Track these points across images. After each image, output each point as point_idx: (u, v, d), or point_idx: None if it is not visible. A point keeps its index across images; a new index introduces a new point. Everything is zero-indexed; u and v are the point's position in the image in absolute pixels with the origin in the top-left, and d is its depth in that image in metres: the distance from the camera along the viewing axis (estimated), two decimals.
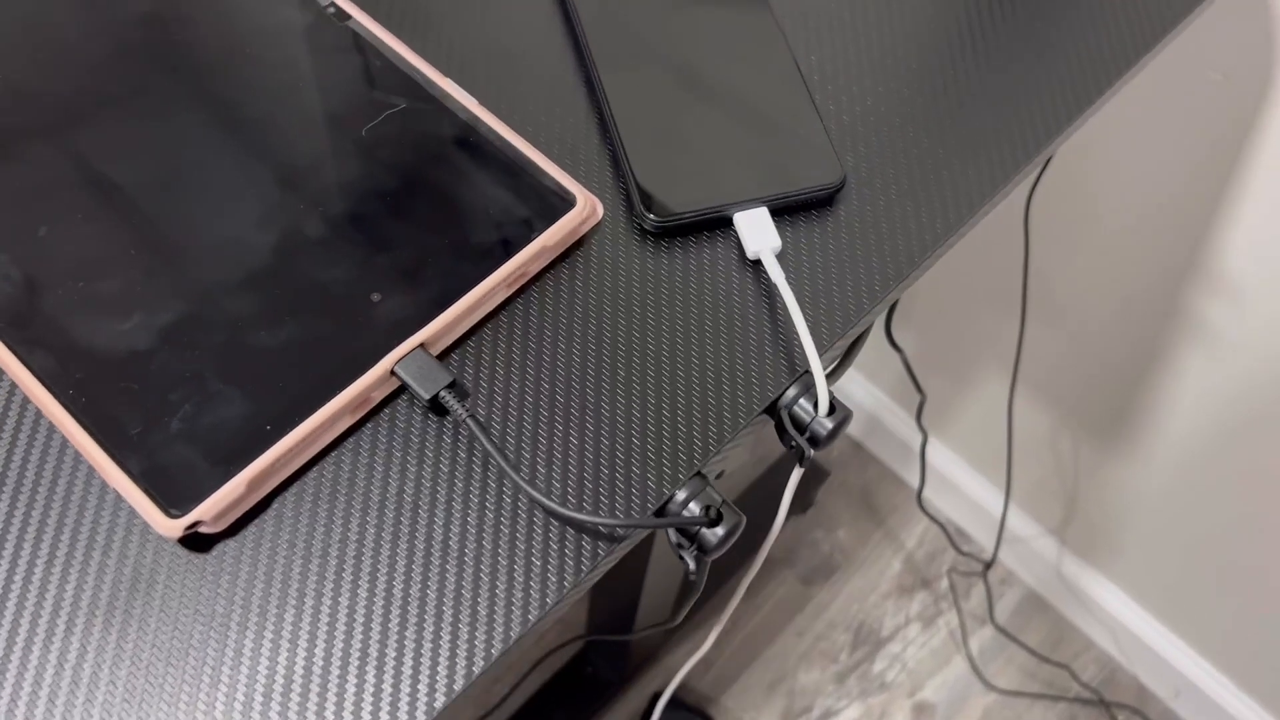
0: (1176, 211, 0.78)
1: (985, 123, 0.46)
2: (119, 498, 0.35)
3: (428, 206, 0.40)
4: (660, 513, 0.37)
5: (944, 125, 0.46)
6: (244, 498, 0.35)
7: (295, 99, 0.42)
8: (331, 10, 0.45)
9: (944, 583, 1.26)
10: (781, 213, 0.43)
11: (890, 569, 1.29)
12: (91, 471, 0.36)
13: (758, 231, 0.41)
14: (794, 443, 0.39)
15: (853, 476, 1.34)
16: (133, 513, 0.35)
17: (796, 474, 0.42)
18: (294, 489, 0.36)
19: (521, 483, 0.35)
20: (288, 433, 0.35)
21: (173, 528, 0.33)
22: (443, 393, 0.37)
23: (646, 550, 0.62)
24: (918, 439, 1.21)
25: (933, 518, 1.04)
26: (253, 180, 0.40)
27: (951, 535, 1.17)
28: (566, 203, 0.40)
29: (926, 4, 0.49)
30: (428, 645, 0.34)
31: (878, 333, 1.13)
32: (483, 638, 0.34)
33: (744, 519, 0.37)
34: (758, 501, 1.04)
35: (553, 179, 0.41)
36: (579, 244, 0.42)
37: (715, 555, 0.37)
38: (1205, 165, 0.74)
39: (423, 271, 0.39)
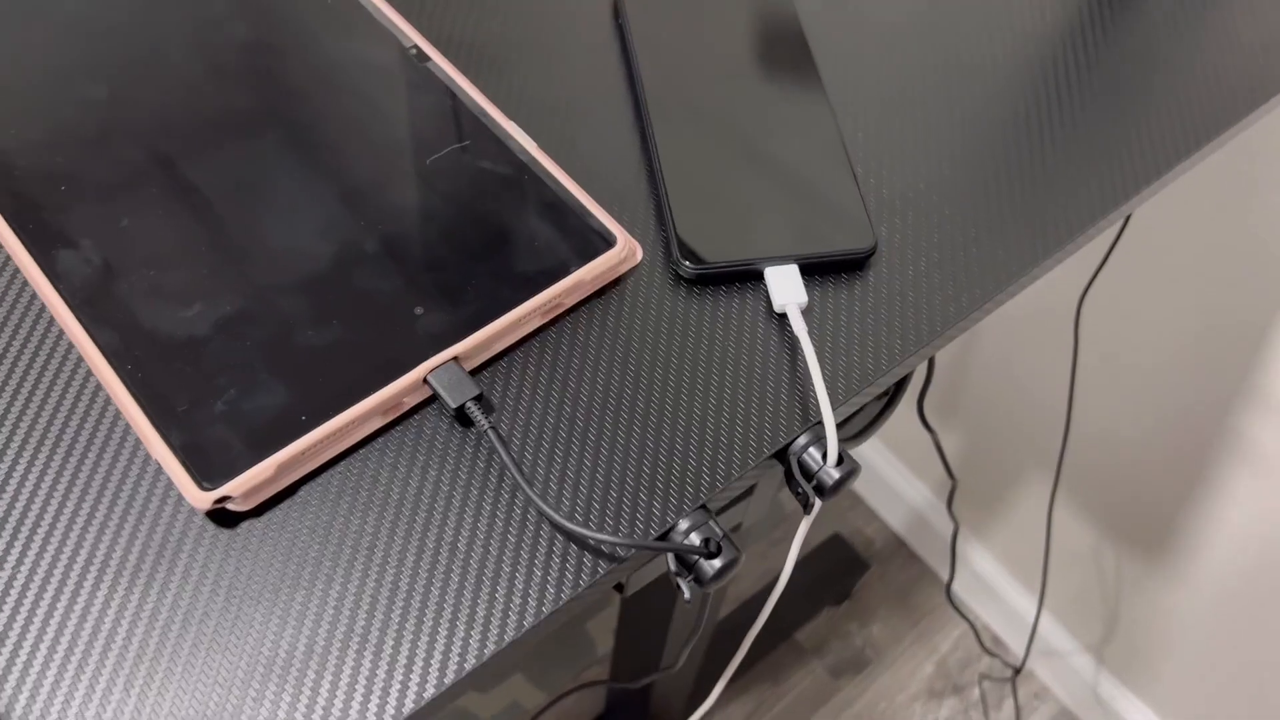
0: (1231, 328, 0.78)
1: (1018, 208, 0.48)
2: (159, 469, 0.38)
3: (476, 234, 0.43)
4: (662, 539, 0.38)
5: (979, 206, 0.48)
6: (272, 480, 0.37)
7: (369, 127, 0.45)
8: (414, 52, 0.48)
9: (975, 691, 1.24)
10: (812, 272, 0.45)
11: (922, 670, 1.27)
12: (137, 442, 0.38)
13: (786, 286, 0.43)
14: (800, 489, 0.40)
15: (893, 572, 1.33)
16: (169, 485, 0.38)
17: (805, 523, 0.43)
18: (321, 479, 0.38)
19: (532, 495, 0.37)
20: (320, 425, 0.37)
21: (203, 499, 0.36)
22: (469, 404, 0.39)
23: (669, 601, 0.63)
24: (969, 549, 1.20)
25: (962, 613, 1.03)
26: (320, 196, 0.43)
27: (981, 635, 1.15)
28: (607, 243, 0.43)
29: (974, 91, 0.52)
30: (424, 639, 0.35)
31: (920, 426, 1.14)
32: (477, 638, 0.36)
33: (742, 555, 0.38)
34: (787, 593, 1.04)
35: (598, 220, 0.43)
36: (616, 283, 0.44)
37: (711, 588, 0.38)
38: (1262, 281, 0.75)
39: (464, 292, 0.41)
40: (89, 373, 0.40)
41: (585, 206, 0.44)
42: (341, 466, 0.39)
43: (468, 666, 0.35)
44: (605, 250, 0.42)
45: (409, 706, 0.34)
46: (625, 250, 0.43)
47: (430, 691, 0.35)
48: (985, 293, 0.45)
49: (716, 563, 0.38)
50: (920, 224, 0.47)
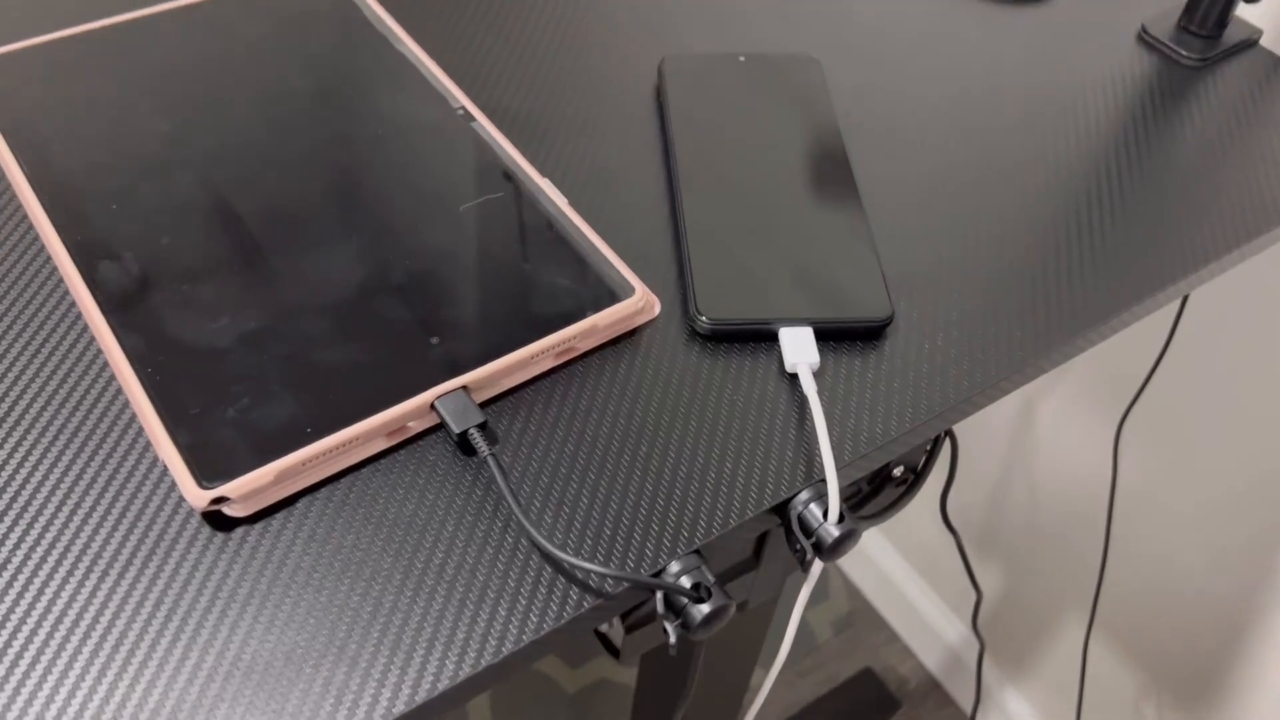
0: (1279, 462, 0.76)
1: (1037, 294, 0.48)
2: (164, 470, 0.39)
3: (498, 275, 0.44)
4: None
5: (999, 290, 0.48)
6: (271, 486, 0.37)
7: (409, 174, 0.47)
8: (460, 112, 0.50)
9: None
10: (827, 338, 0.45)
11: None
12: (147, 444, 0.39)
13: (799, 347, 0.43)
14: (799, 545, 0.40)
15: (925, 714, 1.28)
16: (171, 486, 0.38)
17: (808, 587, 0.42)
18: (321, 493, 0.39)
19: (525, 522, 0.37)
20: (324, 438, 0.38)
21: (201, 498, 0.36)
22: (472, 430, 0.39)
23: (687, 664, 0.61)
24: (998, 687, 1.15)
25: None
26: (355, 231, 0.45)
27: None
28: (624, 293, 0.44)
29: (1005, 182, 0.52)
30: (400, 656, 0.35)
31: (957, 566, 1.11)
32: (453, 660, 0.35)
33: (733, 604, 0.38)
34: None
35: (618, 272, 0.44)
36: (633, 334, 0.45)
37: (699, 635, 0.38)
38: None
39: (480, 327, 0.42)
40: (112, 377, 0.41)
41: (607, 259, 0.45)
42: (343, 483, 0.39)
43: (440, 688, 0.35)
44: (622, 300, 0.43)
45: None
46: (642, 302, 0.44)
47: (399, 708, 0.34)
48: (1000, 371, 0.45)
49: (705, 608, 0.37)
50: (939, 302, 0.47)
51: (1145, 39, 0.61)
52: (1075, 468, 0.91)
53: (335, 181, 0.47)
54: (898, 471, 0.53)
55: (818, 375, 0.44)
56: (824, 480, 0.41)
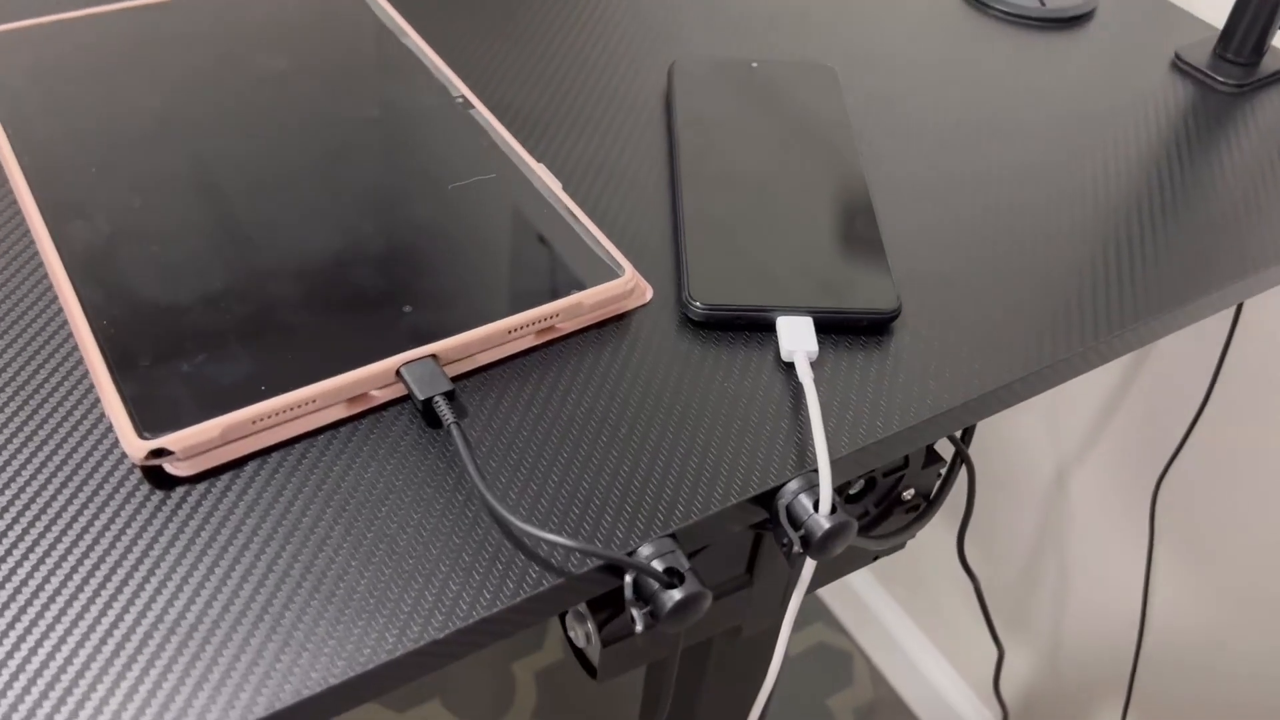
0: None
1: (1056, 304, 0.45)
2: (108, 428, 0.36)
3: (481, 251, 0.42)
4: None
5: (1015, 296, 0.45)
6: (217, 444, 0.35)
7: (399, 153, 0.46)
8: (459, 100, 0.49)
9: None
10: (829, 330, 0.42)
11: None
12: (96, 400, 0.37)
13: (797, 335, 0.41)
14: (786, 539, 0.37)
15: None
16: (115, 443, 0.36)
17: (798, 595, 0.39)
18: (272, 458, 0.36)
19: (484, 489, 0.34)
20: (278, 396, 0.36)
21: (139, 448, 0.34)
22: (438, 398, 0.37)
23: (697, 682, 0.56)
24: None
25: None
26: (336, 202, 0.43)
27: None
28: (613, 274, 0.41)
29: (1028, 199, 0.50)
30: (339, 628, 0.32)
31: (977, 624, 1.05)
32: (394, 635, 0.32)
33: (709, 594, 0.34)
34: None
35: (608, 253, 0.42)
36: (621, 320, 0.42)
37: (669, 626, 0.34)
38: None
39: (458, 298, 0.40)
40: (70, 335, 0.39)
41: (598, 240, 0.43)
42: (297, 449, 0.37)
43: (376, 662, 0.31)
44: (610, 280, 0.41)
45: (286, 698, 0.30)
46: (630, 283, 0.41)
47: (333, 681, 0.31)
48: (1008, 374, 0.41)
49: (676, 594, 0.34)
50: (951, 304, 0.44)
51: (1180, 66, 0.59)
52: (1108, 533, 0.86)
53: (321, 156, 0.45)
54: (908, 494, 0.49)
55: (816, 367, 0.41)
56: (815, 470, 0.37)
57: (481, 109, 0.49)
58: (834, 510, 0.36)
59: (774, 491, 0.37)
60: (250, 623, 0.32)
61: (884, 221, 0.47)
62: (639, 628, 0.34)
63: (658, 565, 0.34)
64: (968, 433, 0.50)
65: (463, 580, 0.33)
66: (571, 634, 0.45)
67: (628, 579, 0.34)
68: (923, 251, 0.46)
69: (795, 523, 0.37)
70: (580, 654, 0.46)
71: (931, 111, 0.54)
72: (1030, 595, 0.98)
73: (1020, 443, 0.93)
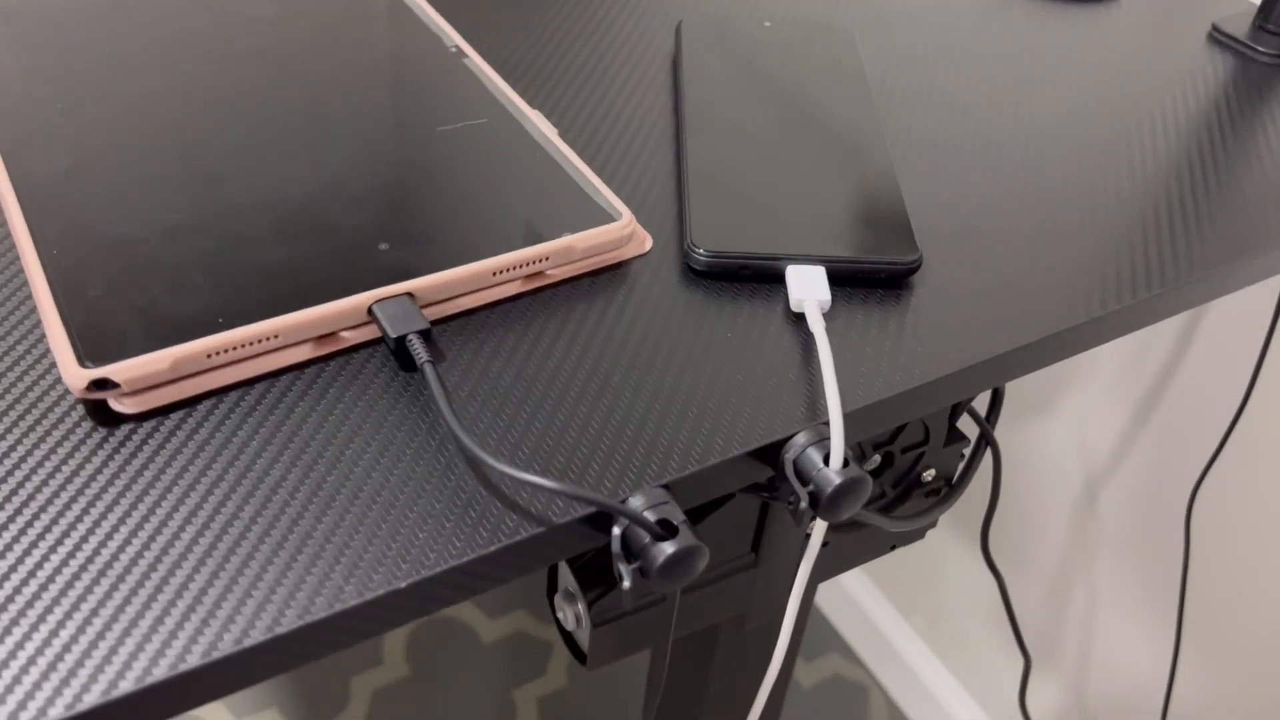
0: None
1: (1084, 264, 0.41)
2: (53, 363, 0.33)
3: (468, 191, 0.39)
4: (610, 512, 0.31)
5: (1039, 255, 0.41)
6: (166, 376, 0.32)
7: (387, 97, 0.43)
8: (454, 50, 0.46)
9: None
10: (842, 282, 0.39)
11: None
12: (40, 332, 0.34)
13: (808, 284, 0.37)
14: (793, 496, 0.33)
15: None
16: (58, 377, 0.33)
17: (808, 562, 0.35)
18: (229, 398, 0.33)
19: (457, 428, 0.31)
20: (235, 329, 0.33)
21: (80, 377, 0.31)
22: (412, 336, 0.33)
23: (701, 677, 0.52)
24: None
25: None
26: (318, 142, 0.40)
27: None
28: (609, 218, 0.38)
29: (1048, 140, 0.46)
30: (287, 577, 0.29)
31: (1000, 654, 1.00)
32: (354, 585, 0.29)
33: (704, 549, 0.31)
34: None
35: (604, 198, 0.39)
36: (618, 269, 0.39)
37: (661, 584, 0.30)
38: None
39: (439, 238, 0.37)
40: (18, 265, 0.36)
41: (594, 185, 0.39)
42: (257, 389, 0.33)
43: (330, 610, 0.28)
44: (605, 225, 0.38)
45: (225, 647, 0.27)
46: (628, 228, 0.38)
47: (282, 629, 0.27)
48: (1030, 333, 0.38)
49: (668, 547, 0.30)
50: (973, 261, 0.41)
51: (1218, 38, 0.56)
52: (1140, 546, 0.82)
53: (303, 97, 0.42)
54: (928, 475, 0.46)
55: (828, 320, 0.38)
56: (826, 423, 0.34)
57: (477, 59, 0.46)
58: (846, 465, 0.33)
59: (780, 444, 0.34)
60: (191, 566, 0.29)
61: (904, 180, 0.44)
62: (626, 583, 0.30)
63: (650, 516, 0.31)
64: (993, 412, 0.47)
65: (433, 529, 0.30)
66: (560, 615, 0.41)
67: (616, 531, 0.31)
68: (944, 211, 0.43)
69: (804, 479, 0.33)
70: (570, 639, 0.42)
71: (955, 79, 0.51)
72: (1058, 611, 0.94)
73: (1047, 451, 0.89)
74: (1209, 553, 0.75)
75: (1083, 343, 0.40)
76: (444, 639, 1.20)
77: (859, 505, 0.33)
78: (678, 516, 0.31)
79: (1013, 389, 0.87)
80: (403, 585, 0.29)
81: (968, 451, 0.47)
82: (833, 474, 0.32)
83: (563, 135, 0.45)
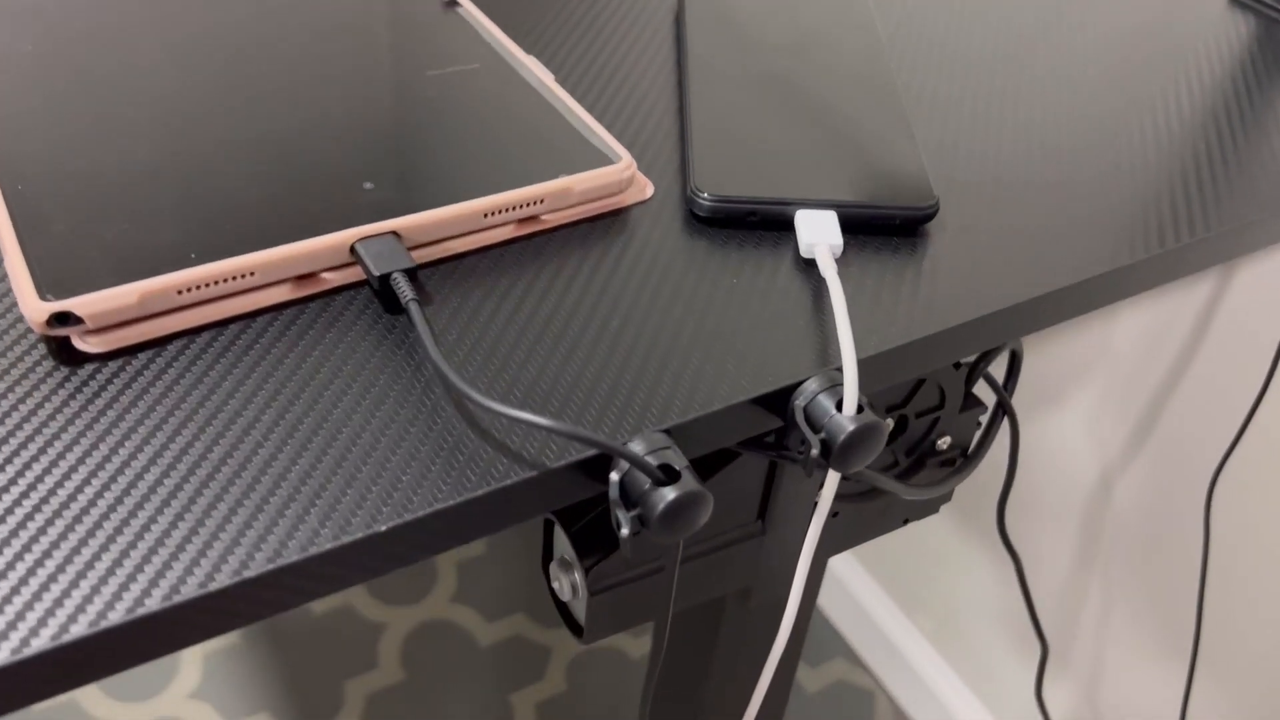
0: None
1: (1106, 218, 0.39)
2: (14, 302, 0.31)
3: (459, 133, 0.37)
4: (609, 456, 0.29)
5: (1060, 206, 0.39)
6: (133, 312, 0.30)
7: (377, 42, 0.41)
8: (447, 0, 0.45)
9: None
10: (855, 229, 0.37)
11: None
12: (3, 271, 0.32)
13: (819, 228, 0.35)
14: (804, 443, 0.31)
15: None
16: (20, 315, 0.31)
17: (819, 520, 0.33)
18: (202, 337, 0.31)
19: (443, 365, 0.29)
20: (208, 264, 0.30)
21: (39, 311, 0.29)
22: (397, 274, 0.31)
23: (705, 656, 0.50)
24: None
25: None
26: (302, 80, 0.38)
27: None
28: (608, 161, 0.36)
29: (1069, 89, 0.44)
30: (258, 520, 0.26)
31: (1012, 656, 0.97)
32: (330, 529, 0.26)
33: (708, 496, 0.29)
34: None
35: (602, 141, 0.37)
36: (617, 215, 0.37)
37: (661, 533, 0.28)
38: None
39: (428, 178, 0.35)
40: None
41: (591, 128, 0.37)
42: (231, 330, 0.31)
43: (304, 554, 0.26)
44: (604, 166, 0.36)
45: (188, 590, 0.25)
46: (627, 171, 0.36)
47: (250, 574, 0.25)
48: (1048, 282, 0.36)
49: (669, 492, 0.28)
50: (991, 211, 0.39)
51: (1238, 0, 0.54)
52: (1159, 535, 0.79)
53: (290, 39, 0.41)
54: (943, 444, 0.43)
55: (840, 266, 0.35)
56: (839, 369, 0.32)
57: (471, 8, 0.44)
58: (861, 411, 0.30)
59: (790, 391, 0.31)
60: (154, 508, 0.26)
61: (919, 131, 0.42)
62: (624, 531, 0.28)
63: (651, 460, 0.28)
64: (1011, 378, 0.44)
65: (417, 473, 0.28)
66: (556, 585, 0.39)
67: (614, 477, 0.29)
68: (961, 161, 0.41)
69: (815, 427, 0.31)
70: (565, 611, 0.40)
71: (971, 35, 0.49)
72: (1072, 601, 0.91)
73: (1063, 438, 0.86)
74: (1230, 542, 0.73)
75: (1105, 295, 0.38)
76: (440, 642, 1.18)
77: (874, 454, 0.31)
78: (680, 462, 0.29)
79: (1028, 374, 0.85)
80: (383, 529, 0.27)
81: (984, 419, 0.44)
82: (846, 420, 0.30)
83: (560, 82, 0.43)
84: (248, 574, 0.25)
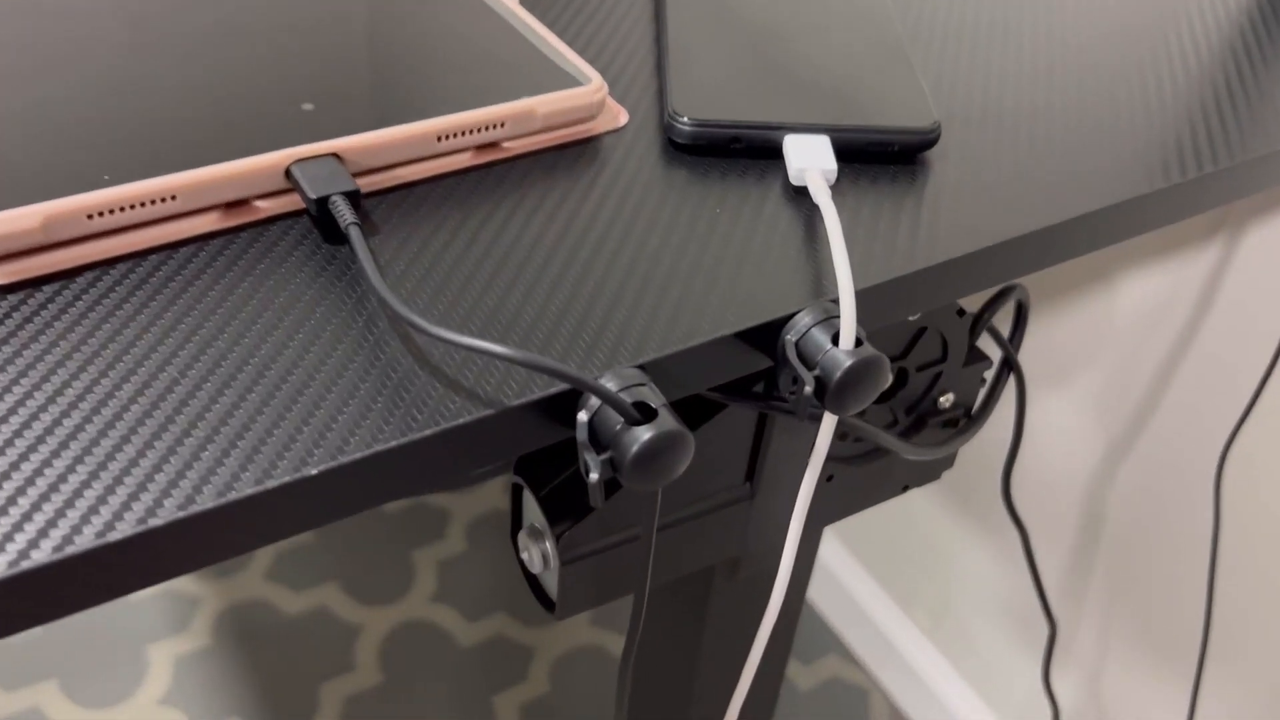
0: None
1: (1118, 150, 0.36)
2: None
3: (407, 50, 0.33)
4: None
5: (1068, 138, 0.36)
6: (37, 239, 0.26)
7: None
8: None
9: None
10: (849, 157, 0.33)
11: None
12: None
13: (810, 153, 0.32)
14: (796, 381, 0.27)
15: None
16: None
17: (815, 465, 0.30)
18: (116, 270, 0.27)
19: (387, 295, 0.25)
20: (124, 185, 0.27)
21: None
22: (336, 197, 0.28)
23: (694, 636, 0.46)
24: None
25: None
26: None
27: None
28: (576, 83, 0.33)
29: (1077, 41, 0.41)
30: (169, 462, 0.23)
31: (1012, 652, 0.94)
32: (253, 472, 0.23)
33: (689, 436, 0.25)
34: None
35: (570, 63, 0.34)
36: (587, 144, 0.33)
37: (635, 478, 0.25)
38: None
39: (374, 98, 0.31)
40: None
41: (558, 50, 0.34)
42: (151, 261, 0.28)
43: (224, 500, 0.22)
44: (572, 88, 0.32)
45: (85, 541, 0.21)
46: (597, 94, 0.33)
47: (155, 523, 0.22)
48: (1052, 215, 0.33)
49: (644, 432, 0.24)
50: (994, 141, 0.36)
51: None
52: (1168, 512, 0.76)
53: None
54: (945, 402, 0.40)
55: (834, 194, 0.32)
56: (835, 300, 0.28)
57: None
58: (859, 344, 0.27)
59: (779, 325, 0.28)
60: (48, 451, 0.23)
61: (918, 62, 0.39)
62: (594, 476, 0.25)
63: (625, 397, 0.25)
64: (1017, 331, 0.41)
65: (356, 412, 0.24)
66: (525, 556, 0.35)
67: (583, 417, 0.25)
68: (962, 91, 0.38)
69: (809, 363, 0.27)
70: (536, 584, 0.36)
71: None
72: (1078, 579, 0.88)
73: (1068, 412, 0.83)
74: (1240, 519, 0.70)
75: (1119, 229, 0.34)
76: (420, 643, 1.14)
77: (874, 394, 0.28)
78: (657, 399, 0.25)
79: (1030, 347, 0.82)
80: (313, 472, 0.23)
81: (989, 375, 0.41)
82: (843, 354, 0.27)
83: (528, 6, 0.39)
84: (153, 523, 0.22)
